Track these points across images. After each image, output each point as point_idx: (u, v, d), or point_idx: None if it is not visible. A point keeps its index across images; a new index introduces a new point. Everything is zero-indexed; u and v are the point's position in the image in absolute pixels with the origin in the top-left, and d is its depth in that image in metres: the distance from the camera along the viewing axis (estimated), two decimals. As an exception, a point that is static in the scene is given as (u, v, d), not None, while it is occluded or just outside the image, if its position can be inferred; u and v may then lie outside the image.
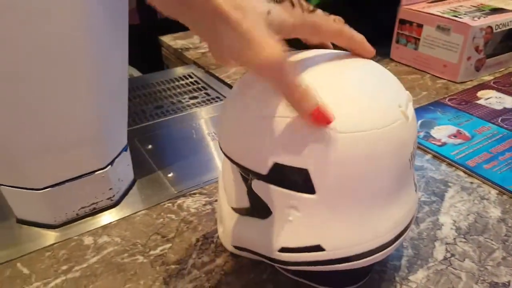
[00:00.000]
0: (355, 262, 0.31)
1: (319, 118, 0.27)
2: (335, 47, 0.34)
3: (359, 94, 0.30)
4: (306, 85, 0.27)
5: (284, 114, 0.29)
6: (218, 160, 0.57)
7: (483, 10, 0.78)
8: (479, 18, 0.74)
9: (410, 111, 0.31)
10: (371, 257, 0.31)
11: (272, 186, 0.31)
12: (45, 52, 0.35)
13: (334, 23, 0.31)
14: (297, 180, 0.30)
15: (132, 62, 1.08)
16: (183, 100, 0.74)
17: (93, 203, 0.46)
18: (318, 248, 0.31)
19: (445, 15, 0.75)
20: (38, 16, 0.33)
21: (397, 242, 0.32)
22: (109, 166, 0.46)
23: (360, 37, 0.32)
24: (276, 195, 0.31)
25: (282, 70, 0.26)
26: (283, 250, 0.32)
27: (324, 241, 0.31)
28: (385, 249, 0.31)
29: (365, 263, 0.31)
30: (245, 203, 0.35)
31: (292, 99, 0.27)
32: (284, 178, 0.30)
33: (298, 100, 0.27)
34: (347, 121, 0.28)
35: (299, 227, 0.31)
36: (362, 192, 0.30)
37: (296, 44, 0.32)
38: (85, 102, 0.40)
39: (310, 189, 0.29)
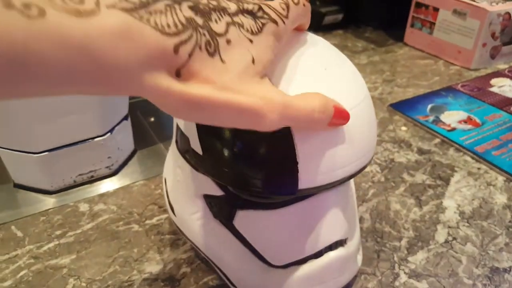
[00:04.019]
0: None
1: (339, 118, 0.24)
2: None
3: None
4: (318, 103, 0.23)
5: None
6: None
7: (502, -4, 0.76)
8: (497, 4, 0.72)
9: None
10: None
11: None
12: None
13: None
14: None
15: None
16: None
17: (91, 171, 0.46)
18: None
19: (462, -1, 0.73)
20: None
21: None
22: (108, 134, 0.45)
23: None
24: None
25: (291, 113, 0.22)
26: None
27: None
28: None
29: None
30: None
31: (314, 124, 0.24)
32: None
33: (322, 120, 0.24)
34: None
35: None
36: None
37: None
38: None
39: None
